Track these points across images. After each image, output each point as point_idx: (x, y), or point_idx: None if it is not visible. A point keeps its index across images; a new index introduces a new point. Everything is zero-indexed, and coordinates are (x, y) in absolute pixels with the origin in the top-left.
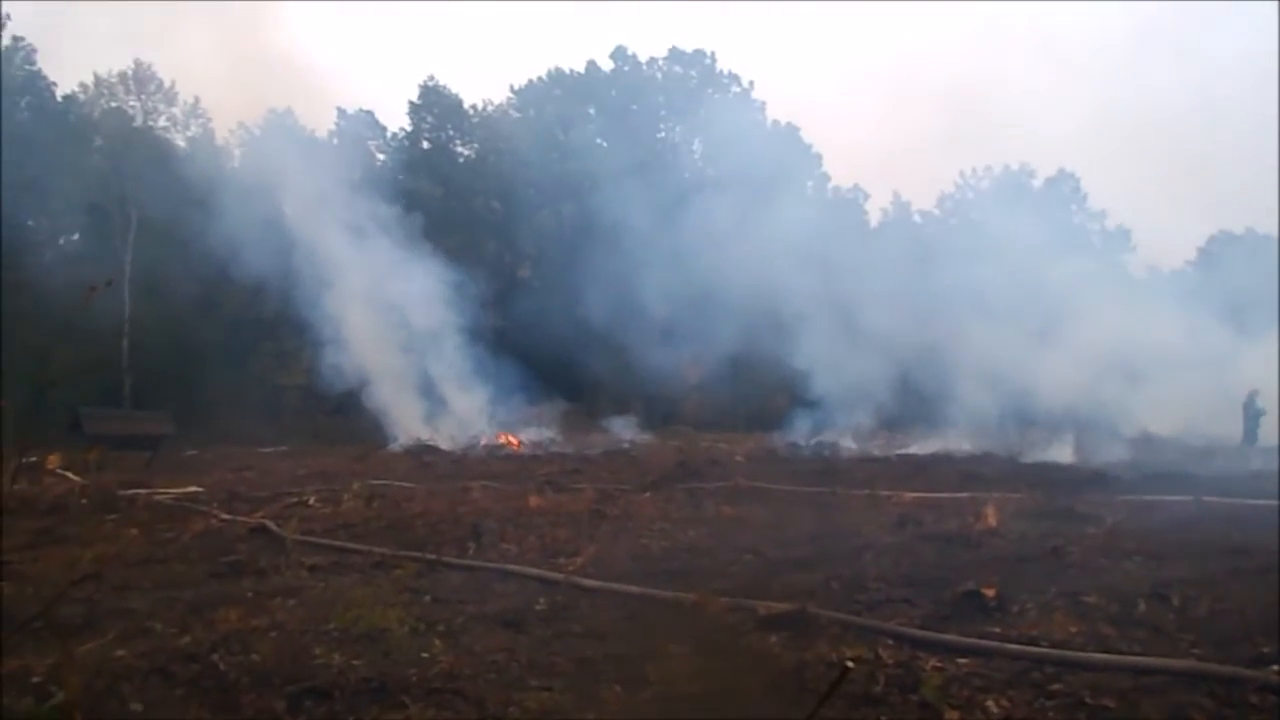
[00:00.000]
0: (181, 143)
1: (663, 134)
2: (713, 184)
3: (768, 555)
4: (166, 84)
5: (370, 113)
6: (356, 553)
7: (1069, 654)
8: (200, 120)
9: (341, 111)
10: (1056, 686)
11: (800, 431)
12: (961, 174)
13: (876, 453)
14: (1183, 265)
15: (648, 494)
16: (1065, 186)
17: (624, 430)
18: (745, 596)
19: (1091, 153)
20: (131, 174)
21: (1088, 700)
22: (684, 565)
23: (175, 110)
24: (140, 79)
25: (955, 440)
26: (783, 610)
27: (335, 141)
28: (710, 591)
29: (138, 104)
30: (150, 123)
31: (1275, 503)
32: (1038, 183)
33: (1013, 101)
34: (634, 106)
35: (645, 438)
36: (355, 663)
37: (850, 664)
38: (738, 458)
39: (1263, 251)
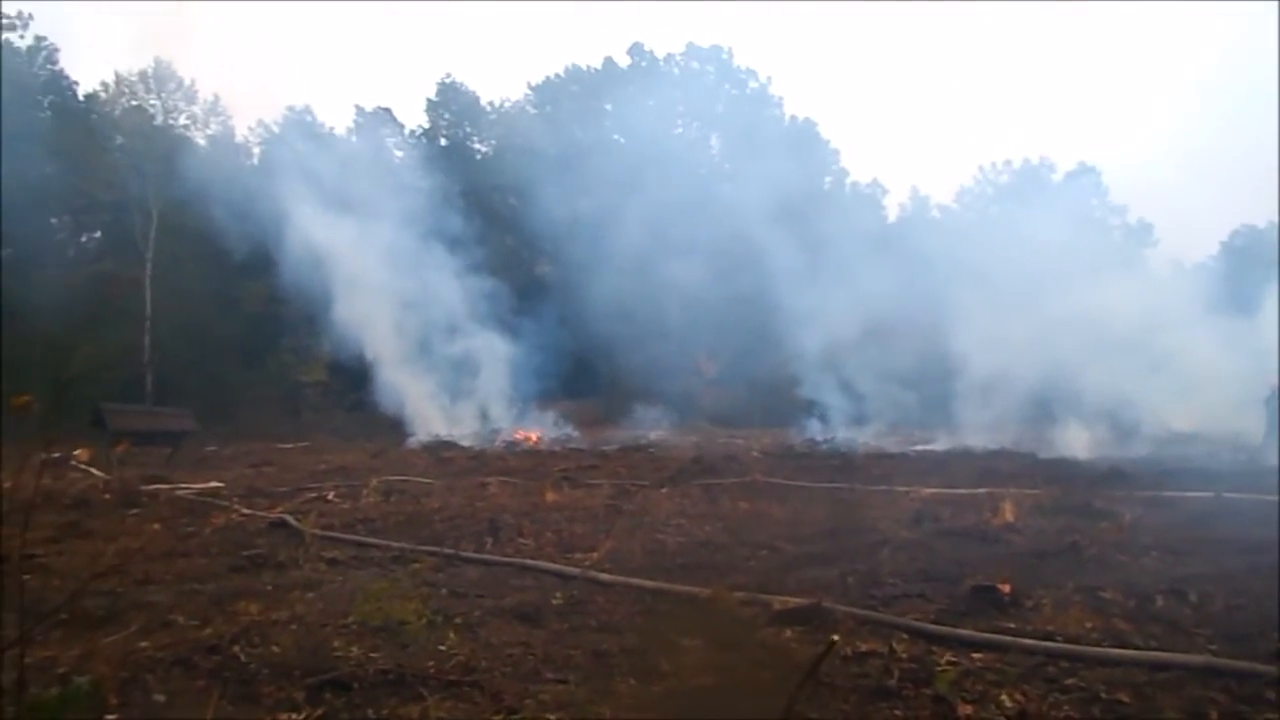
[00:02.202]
0: (201, 140)
1: (680, 130)
2: (729, 179)
3: (784, 551)
4: (186, 82)
5: (388, 110)
6: (375, 547)
7: (1084, 649)
8: (220, 118)
9: (359, 109)
10: (1071, 681)
11: (818, 427)
12: (980, 168)
13: (893, 448)
14: (1205, 259)
15: (664, 489)
16: (1086, 180)
17: (641, 426)
18: (761, 591)
19: (1113, 146)
20: (152, 172)
21: (1103, 695)
22: (699, 560)
23: (195, 108)
24: (160, 78)
25: (973, 436)
26: (798, 605)
27: (353, 139)
28: (725, 586)
29: (158, 102)
30: (170, 121)
31: None
32: (1058, 177)
33: (1033, 95)
34: (651, 102)
35: (662, 433)
36: (373, 655)
37: (836, 638)
38: (754, 453)
39: None
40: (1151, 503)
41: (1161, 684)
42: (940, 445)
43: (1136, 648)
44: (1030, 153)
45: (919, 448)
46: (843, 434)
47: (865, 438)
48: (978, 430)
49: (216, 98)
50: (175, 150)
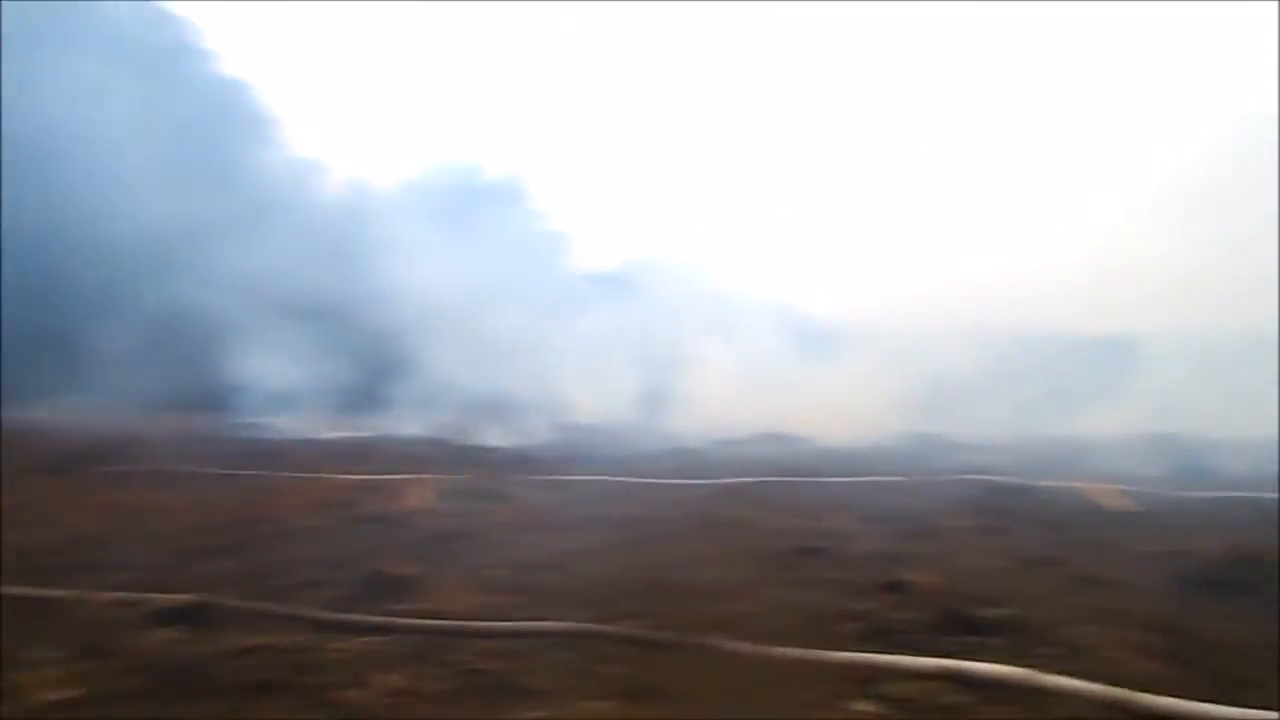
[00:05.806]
0: None
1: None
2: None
3: (179, 544)
4: None
5: None
6: None
7: (461, 624)
8: None
9: None
10: (452, 657)
11: (237, 410)
12: (421, 165)
13: (321, 435)
14: None
15: (55, 478)
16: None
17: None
18: (144, 589)
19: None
20: None
21: (476, 665)
22: (76, 561)
23: None
24: None
25: (404, 423)
26: (180, 601)
27: None
28: (96, 586)
29: None
30: None
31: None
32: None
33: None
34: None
35: (51, 415)
36: None
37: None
38: (160, 438)
39: None
40: (549, 485)
41: (532, 651)
42: (367, 432)
43: (513, 619)
44: (468, 155)
45: (344, 434)
46: (265, 418)
47: (288, 423)
48: (408, 417)
49: None
50: None
